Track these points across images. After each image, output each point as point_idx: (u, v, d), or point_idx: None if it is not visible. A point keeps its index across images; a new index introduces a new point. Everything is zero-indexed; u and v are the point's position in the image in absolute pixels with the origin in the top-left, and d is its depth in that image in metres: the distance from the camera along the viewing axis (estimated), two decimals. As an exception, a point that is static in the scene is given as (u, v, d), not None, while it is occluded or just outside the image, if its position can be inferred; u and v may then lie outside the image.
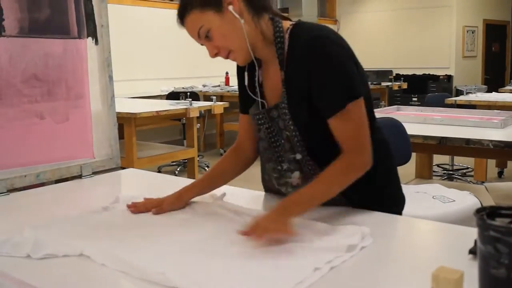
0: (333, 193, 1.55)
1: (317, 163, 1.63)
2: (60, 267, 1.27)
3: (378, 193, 1.72)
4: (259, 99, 1.73)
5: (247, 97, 1.76)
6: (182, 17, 1.59)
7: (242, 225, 1.43)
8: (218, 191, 1.83)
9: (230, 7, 1.54)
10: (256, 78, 1.74)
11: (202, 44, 1.63)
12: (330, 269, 1.21)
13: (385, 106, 4.97)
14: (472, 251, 1.24)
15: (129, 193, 1.86)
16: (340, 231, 1.42)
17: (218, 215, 1.64)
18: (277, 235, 1.37)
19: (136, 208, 1.70)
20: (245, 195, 1.90)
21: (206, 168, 7.02)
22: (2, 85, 2.05)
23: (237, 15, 1.55)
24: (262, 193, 1.89)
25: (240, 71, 1.81)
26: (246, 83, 1.73)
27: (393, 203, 1.77)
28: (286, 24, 1.65)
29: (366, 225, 1.45)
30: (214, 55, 1.64)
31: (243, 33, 1.57)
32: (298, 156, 1.65)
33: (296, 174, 1.68)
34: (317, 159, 1.63)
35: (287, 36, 1.62)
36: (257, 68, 1.73)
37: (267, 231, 1.37)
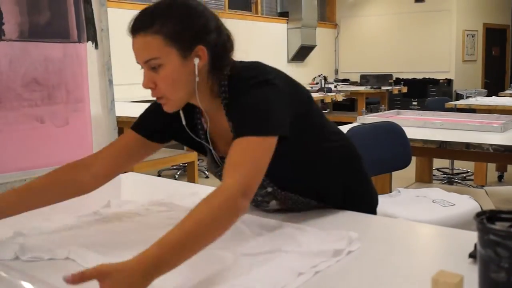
0: (213, 240, 1.21)
1: (287, 189, 1.61)
2: (45, 268, 1.27)
3: (347, 193, 1.71)
4: (211, 148, 1.62)
5: (168, 128, 1.64)
6: (137, 31, 1.43)
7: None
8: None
9: (196, 61, 1.43)
10: (200, 127, 1.63)
11: (140, 67, 1.48)
12: (314, 273, 1.21)
13: (385, 110, 4.97)
14: (472, 255, 1.24)
15: (122, 198, 1.86)
16: (327, 235, 1.42)
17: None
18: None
19: None
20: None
21: (206, 172, 7.01)
22: (2, 89, 2.05)
23: (196, 71, 1.43)
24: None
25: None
26: (184, 122, 1.57)
27: (363, 201, 1.77)
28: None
29: (366, 229, 1.45)
30: (147, 87, 1.46)
31: (190, 87, 1.45)
32: (269, 189, 1.59)
33: (273, 203, 1.65)
34: (286, 186, 1.60)
35: (226, 84, 1.51)
36: (203, 117, 1.61)
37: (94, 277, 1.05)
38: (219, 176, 1.58)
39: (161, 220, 1.66)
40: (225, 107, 1.52)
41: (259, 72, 1.50)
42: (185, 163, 6.19)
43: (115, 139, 1.71)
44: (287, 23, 11.22)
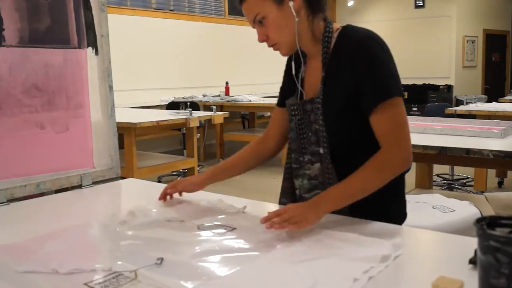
0: (367, 191, 1.59)
1: (334, 161, 1.70)
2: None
3: (383, 208, 1.72)
4: (300, 89, 1.81)
5: (287, 89, 1.87)
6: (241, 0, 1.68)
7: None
8: (239, 204, 1.84)
9: (291, 3, 1.64)
10: (300, 72, 1.82)
11: (253, 27, 1.71)
12: (368, 279, 1.21)
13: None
14: (472, 261, 1.24)
15: (123, 205, 1.86)
16: (372, 242, 1.42)
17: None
18: (295, 229, 1.47)
19: (163, 196, 1.91)
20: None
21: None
22: (2, 95, 2.05)
23: (294, 13, 1.64)
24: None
25: (288, 61, 1.88)
26: (293, 71, 1.81)
27: (395, 219, 1.73)
28: (336, 26, 1.75)
29: (365, 235, 1.45)
30: (262, 41, 1.71)
31: (294, 29, 1.67)
32: (321, 150, 1.71)
33: (317, 165, 1.75)
34: (335, 158, 1.70)
35: (335, 36, 1.72)
36: (302, 63, 1.82)
37: (289, 221, 1.47)
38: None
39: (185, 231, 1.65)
40: (323, 55, 1.71)
41: (360, 29, 1.71)
42: (185, 169, 6.19)
43: (270, 119, 2.01)
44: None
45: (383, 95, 1.62)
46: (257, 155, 2.00)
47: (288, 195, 1.87)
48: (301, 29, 1.69)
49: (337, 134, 1.69)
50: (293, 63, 1.82)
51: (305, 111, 1.75)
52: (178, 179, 1.84)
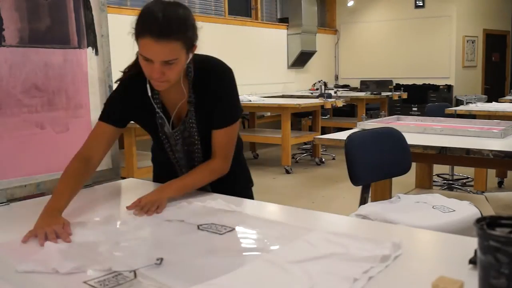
0: (197, 187, 2.06)
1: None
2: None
3: (235, 178, 2.19)
4: (160, 112, 2.05)
5: (130, 111, 2.06)
6: (163, 36, 1.76)
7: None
8: (238, 203, 1.87)
9: (191, 54, 1.91)
10: (158, 101, 2.03)
11: (149, 61, 1.80)
12: (368, 279, 1.21)
13: (385, 116, 4.96)
14: (472, 261, 1.24)
15: (123, 204, 1.86)
16: (372, 242, 1.42)
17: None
18: (153, 206, 1.81)
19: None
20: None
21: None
22: (2, 95, 2.05)
23: (188, 59, 1.91)
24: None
25: (132, 85, 2.04)
26: (149, 93, 1.99)
27: (246, 183, 2.34)
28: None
29: (366, 235, 1.45)
30: (157, 77, 1.82)
31: (182, 71, 1.92)
32: (197, 158, 2.12)
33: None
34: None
35: (192, 67, 2.00)
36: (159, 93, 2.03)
37: (148, 204, 1.81)
38: (168, 139, 2.09)
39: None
40: (190, 83, 2.00)
41: (218, 61, 2.09)
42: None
43: (92, 133, 2.05)
44: (287, 29, 11.23)
45: (229, 121, 2.05)
46: (87, 175, 2.01)
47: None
48: None
49: (209, 142, 2.08)
50: (148, 85, 1.97)
51: (181, 132, 2.07)
52: (50, 230, 1.54)
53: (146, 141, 8.49)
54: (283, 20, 11.33)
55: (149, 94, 1.98)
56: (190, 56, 1.90)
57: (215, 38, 9.52)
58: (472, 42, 12.53)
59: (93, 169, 2.02)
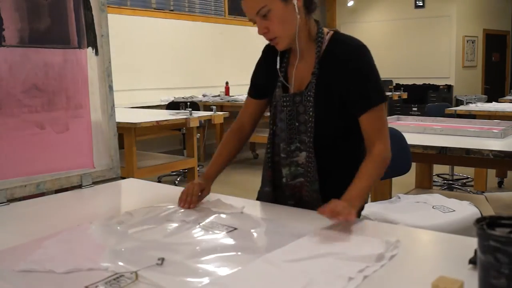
0: (374, 183, 1.92)
1: (316, 150, 1.88)
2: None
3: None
4: (284, 82, 1.96)
5: (262, 81, 2.04)
6: None
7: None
8: (237, 203, 1.86)
9: (295, 1, 1.79)
10: (283, 67, 1.97)
11: (251, 20, 1.82)
12: (363, 278, 1.21)
13: (385, 116, 4.95)
14: (472, 261, 1.24)
15: (123, 204, 1.85)
16: (367, 241, 1.43)
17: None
18: (344, 219, 1.58)
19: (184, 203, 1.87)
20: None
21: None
22: (2, 95, 2.05)
23: (297, 10, 1.80)
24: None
25: (268, 55, 2.02)
26: (278, 66, 1.95)
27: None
28: (325, 30, 1.94)
29: (366, 235, 1.45)
30: (262, 33, 1.82)
31: (295, 26, 1.82)
32: (307, 140, 1.89)
33: (303, 154, 1.92)
34: (317, 147, 1.88)
35: (327, 38, 1.90)
36: (282, 59, 1.97)
37: (340, 214, 1.56)
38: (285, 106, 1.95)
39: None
40: (317, 53, 1.88)
41: (357, 40, 1.92)
42: (185, 169, 6.19)
43: (243, 107, 2.16)
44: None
45: (376, 101, 1.84)
46: (239, 143, 2.14)
47: (269, 183, 2.02)
48: (300, 26, 1.84)
49: (323, 125, 1.87)
50: (278, 58, 1.95)
51: (294, 103, 1.92)
52: (189, 185, 1.90)
53: (146, 141, 8.45)
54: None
55: (278, 64, 1.95)
56: (296, 6, 1.80)
57: (215, 38, 9.53)
58: (472, 42, 12.54)
59: (245, 138, 2.15)
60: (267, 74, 2.01)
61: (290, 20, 1.81)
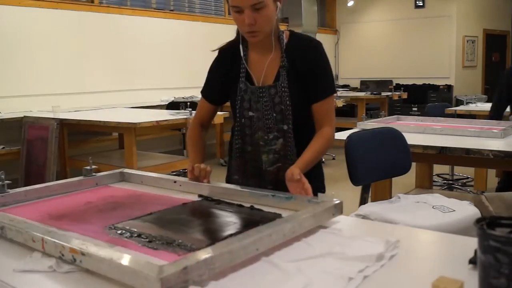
0: (321, 156, 2.15)
1: (295, 134, 2.12)
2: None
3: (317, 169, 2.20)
4: (253, 76, 2.15)
5: (220, 86, 2.25)
6: None
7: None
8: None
9: (278, 3, 2.03)
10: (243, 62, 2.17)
11: (238, 10, 1.97)
12: (363, 278, 1.21)
13: (385, 116, 4.96)
14: (472, 261, 1.24)
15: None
16: (367, 241, 1.42)
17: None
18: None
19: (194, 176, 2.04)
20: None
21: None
22: None
23: (277, 11, 2.04)
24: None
25: (224, 58, 2.26)
26: (242, 54, 2.16)
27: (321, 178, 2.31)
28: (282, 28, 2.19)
29: (366, 235, 1.45)
30: (249, 24, 1.97)
31: (273, 24, 2.06)
32: (285, 127, 2.12)
33: (280, 141, 2.14)
34: (296, 133, 2.12)
35: (286, 35, 2.16)
36: (245, 51, 2.19)
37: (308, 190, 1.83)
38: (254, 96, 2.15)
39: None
40: (284, 47, 2.12)
41: (313, 37, 2.20)
42: (185, 169, 6.18)
43: (199, 106, 2.35)
44: (287, 29, 11.22)
45: (331, 91, 2.15)
46: (205, 136, 2.37)
47: (239, 172, 2.25)
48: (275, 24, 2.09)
49: (299, 112, 2.11)
50: (241, 47, 2.17)
51: (270, 94, 2.11)
52: (196, 166, 2.06)
53: (146, 141, 8.45)
54: (283, 20, 11.33)
55: (241, 52, 2.16)
56: (278, 7, 2.04)
57: (215, 38, 9.52)
58: (472, 42, 12.54)
59: (206, 132, 2.37)
60: (225, 75, 2.23)
61: (273, 18, 2.03)
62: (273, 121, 2.12)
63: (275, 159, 2.15)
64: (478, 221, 1.00)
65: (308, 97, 2.12)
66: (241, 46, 2.17)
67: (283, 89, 2.09)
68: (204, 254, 1.18)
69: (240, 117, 2.17)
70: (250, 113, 2.15)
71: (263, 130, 2.15)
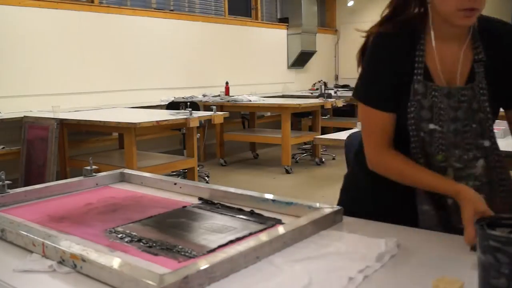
0: None
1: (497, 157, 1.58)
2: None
3: None
4: (432, 76, 1.60)
5: (396, 83, 1.62)
6: None
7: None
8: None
9: None
10: (418, 56, 1.61)
11: None
12: (364, 278, 1.21)
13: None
14: (474, 248, 1.23)
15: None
16: (367, 241, 1.43)
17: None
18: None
19: None
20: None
21: (206, 177, 6.99)
22: None
23: None
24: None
25: (392, 46, 1.71)
26: (433, 43, 1.60)
27: None
28: None
29: (366, 234, 1.45)
30: (474, 6, 1.45)
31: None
32: (487, 143, 1.58)
33: (481, 162, 1.59)
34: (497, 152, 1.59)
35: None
36: (423, 42, 1.62)
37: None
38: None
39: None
40: (473, 37, 1.58)
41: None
42: (185, 169, 6.19)
43: (377, 127, 1.66)
44: (287, 29, 11.23)
45: None
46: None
47: (430, 200, 1.66)
48: None
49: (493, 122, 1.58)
50: (431, 31, 1.62)
51: (468, 99, 1.56)
52: None
53: (146, 141, 8.46)
54: (283, 20, 11.34)
55: (433, 42, 1.60)
56: None
57: (215, 38, 9.53)
58: (472, 42, 12.52)
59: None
60: (396, 72, 1.63)
61: None
62: (472, 135, 1.58)
63: (475, 188, 1.49)
64: (478, 220, 1.00)
65: (505, 101, 1.61)
66: (431, 31, 1.60)
67: (481, 91, 1.55)
68: (204, 263, 1.18)
69: (418, 130, 1.58)
70: (431, 126, 1.57)
71: (461, 148, 1.58)
